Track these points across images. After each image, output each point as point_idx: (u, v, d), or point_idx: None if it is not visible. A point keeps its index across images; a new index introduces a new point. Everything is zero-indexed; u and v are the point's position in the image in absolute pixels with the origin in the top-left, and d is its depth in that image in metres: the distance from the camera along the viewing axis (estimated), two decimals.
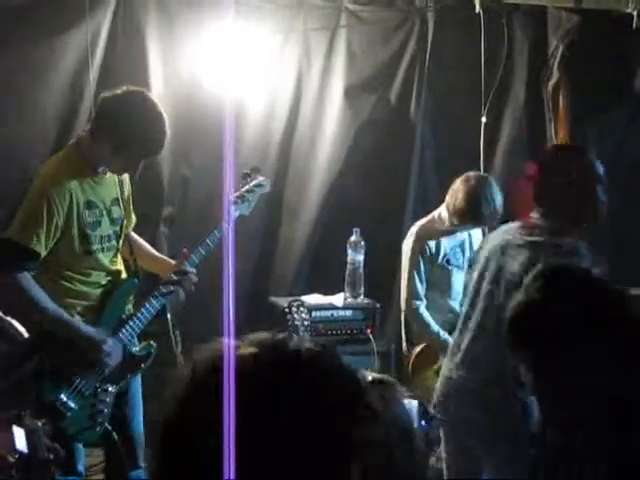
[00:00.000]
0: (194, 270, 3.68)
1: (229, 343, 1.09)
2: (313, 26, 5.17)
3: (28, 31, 4.74)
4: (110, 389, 3.49)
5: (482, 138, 5.25)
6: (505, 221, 3.52)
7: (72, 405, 3.37)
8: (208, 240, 3.65)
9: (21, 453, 2.72)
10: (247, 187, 3.84)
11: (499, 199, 4.28)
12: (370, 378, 1.27)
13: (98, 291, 3.48)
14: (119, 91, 3.40)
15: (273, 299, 4.98)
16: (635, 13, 5.18)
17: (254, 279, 5.20)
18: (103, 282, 3.50)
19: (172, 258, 3.85)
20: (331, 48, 5.21)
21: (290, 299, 4.66)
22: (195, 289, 5.06)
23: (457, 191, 4.24)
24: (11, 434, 2.73)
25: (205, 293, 5.02)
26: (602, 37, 5.26)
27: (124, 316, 3.52)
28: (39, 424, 2.83)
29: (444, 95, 5.31)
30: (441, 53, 5.27)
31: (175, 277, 3.63)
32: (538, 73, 5.37)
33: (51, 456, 3.93)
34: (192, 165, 5.14)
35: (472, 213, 4.23)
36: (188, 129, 5.06)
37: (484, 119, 5.24)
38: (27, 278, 3.29)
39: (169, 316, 4.96)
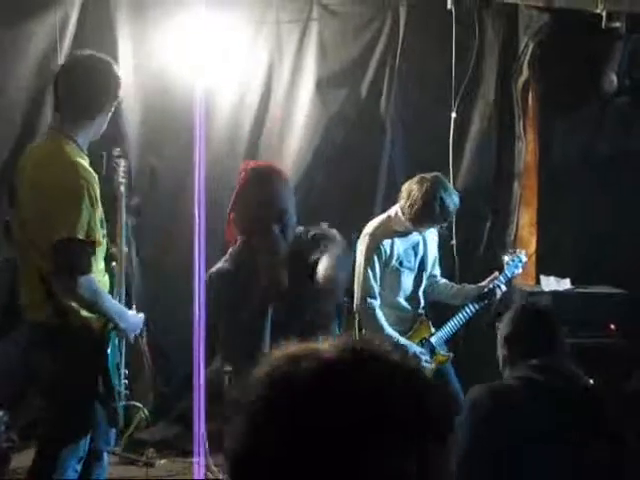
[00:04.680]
0: None
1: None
2: (285, 18, 5.15)
3: None
4: None
5: (451, 133, 5.26)
6: None
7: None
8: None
9: None
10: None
11: (455, 198, 4.28)
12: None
13: (108, 280, 3.42)
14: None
15: None
16: (604, 13, 5.22)
17: None
18: (104, 269, 3.43)
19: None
20: (302, 41, 5.19)
21: None
22: (162, 278, 5.06)
23: (412, 193, 4.21)
24: None
25: (171, 282, 5.01)
26: (572, 36, 5.30)
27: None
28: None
29: (414, 90, 5.31)
30: (412, 48, 5.27)
31: None
32: (508, 70, 5.39)
33: (9, 445, 3.89)
34: (161, 155, 5.11)
35: (430, 215, 4.22)
36: (157, 119, 5.03)
37: (454, 115, 5.26)
38: (94, 280, 3.14)
39: (134, 306, 4.92)
